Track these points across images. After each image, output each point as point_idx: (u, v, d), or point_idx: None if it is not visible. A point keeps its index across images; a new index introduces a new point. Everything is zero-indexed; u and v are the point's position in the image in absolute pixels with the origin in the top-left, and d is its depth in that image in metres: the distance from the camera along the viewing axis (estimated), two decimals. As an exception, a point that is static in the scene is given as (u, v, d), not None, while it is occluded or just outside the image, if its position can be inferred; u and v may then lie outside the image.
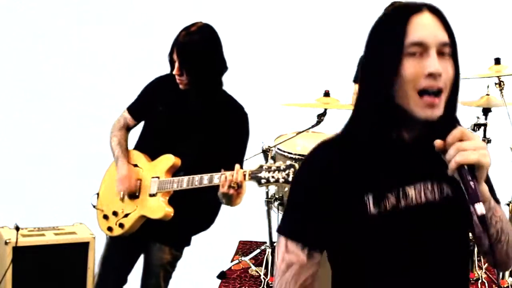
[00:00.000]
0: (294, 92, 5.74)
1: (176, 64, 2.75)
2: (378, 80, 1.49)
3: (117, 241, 3.03)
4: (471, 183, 1.37)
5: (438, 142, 1.43)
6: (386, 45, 1.48)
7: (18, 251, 3.34)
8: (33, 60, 7.25)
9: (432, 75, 1.43)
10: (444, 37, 1.47)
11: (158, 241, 2.94)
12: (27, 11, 7.57)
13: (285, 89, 6.53)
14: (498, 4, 6.94)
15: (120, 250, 3.04)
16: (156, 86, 3.00)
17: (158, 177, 2.86)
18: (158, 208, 2.85)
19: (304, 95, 4.57)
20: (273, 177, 2.55)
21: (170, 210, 2.83)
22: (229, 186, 2.60)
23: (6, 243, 3.32)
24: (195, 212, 2.95)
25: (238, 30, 7.50)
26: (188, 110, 2.88)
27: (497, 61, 4.10)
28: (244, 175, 2.59)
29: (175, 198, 2.86)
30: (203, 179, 2.68)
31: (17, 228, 3.39)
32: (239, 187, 2.60)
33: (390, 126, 1.50)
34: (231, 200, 2.68)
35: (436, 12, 1.51)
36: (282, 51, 7.40)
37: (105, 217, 3.03)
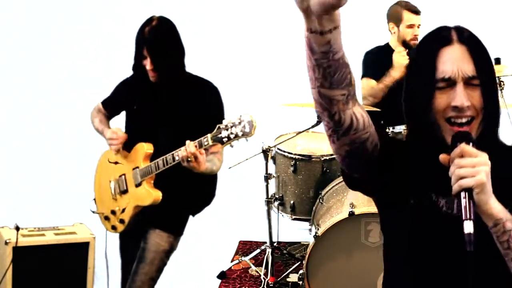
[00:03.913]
0: (294, 92, 5.73)
1: (148, 60, 2.87)
2: (413, 109, 1.59)
3: (125, 232, 3.16)
4: (463, 200, 1.39)
5: (442, 157, 1.47)
6: (418, 78, 1.56)
7: (18, 251, 3.33)
8: (35, 60, 7.25)
9: (457, 108, 1.49)
10: (471, 71, 1.51)
11: (158, 228, 3.02)
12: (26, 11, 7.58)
13: (285, 89, 6.53)
14: (497, 3, 6.94)
15: (131, 240, 3.14)
16: (127, 86, 3.15)
17: (137, 167, 2.99)
18: (146, 195, 2.97)
19: (304, 95, 4.56)
20: (232, 133, 2.65)
21: (157, 194, 2.96)
22: (187, 161, 2.73)
23: (6, 243, 3.32)
24: (189, 191, 3.04)
25: (238, 31, 7.50)
26: (161, 100, 2.99)
27: (497, 61, 4.10)
28: (196, 146, 2.71)
29: (165, 183, 2.96)
30: (175, 156, 2.80)
31: (17, 228, 3.39)
32: (196, 158, 2.72)
33: (428, 149, 1.55)
34: (194, 170, 2.78)
35: (465, 41, 1.53)
36: (282, 51, 7.40)
37: (106, 218, 3.18)
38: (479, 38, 1.57)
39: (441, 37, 1.55)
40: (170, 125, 2.96)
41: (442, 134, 1.53)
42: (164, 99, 2.98)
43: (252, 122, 2.62)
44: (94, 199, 3.27)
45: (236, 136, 2.65)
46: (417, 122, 1.59)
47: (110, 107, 3.23)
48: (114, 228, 3.14)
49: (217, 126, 2.69)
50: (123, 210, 3.07)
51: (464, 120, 1.50)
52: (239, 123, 2.64)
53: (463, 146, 1.42)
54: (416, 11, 4.39)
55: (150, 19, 2.92)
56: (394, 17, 4.42)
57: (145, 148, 2.97)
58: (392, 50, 4.48)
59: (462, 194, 1.39)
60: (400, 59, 4.26)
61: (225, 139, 2.66)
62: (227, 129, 2.66)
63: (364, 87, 4.44)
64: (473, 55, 1.52)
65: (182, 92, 2.96)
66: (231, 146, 2.71)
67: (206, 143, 2.71)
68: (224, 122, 2.68)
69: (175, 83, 2.96)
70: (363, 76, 4.47)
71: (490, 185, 1.41)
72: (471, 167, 1.39)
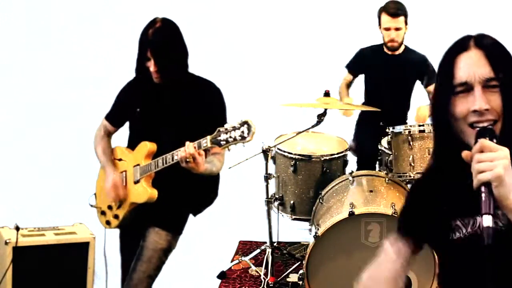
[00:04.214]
0: (294, 92, 5.74)
1: (152, 62, 2.87)
2: (436, 116, 1.62)
3: (126, 231, 3.19)
4: (483, 194, 1.40)
5: (464, 154, 1.47)
6: (439, 86, 1.59)
7: (18, 251, 3.33)
8: (35, 61, 7.25)
9: (477, 112, 1.50)
10: (488, 73, 1.50)
11: (157, 226, 3.03)
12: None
13: (285, 89, 6.53)
14: (498, 5, 6.95)
15: (131, 239, 3.15)
16: (129, 91, 3.14)
17: (138, 164, 3.01)
18: (143, 192, 2.99)
19: (304, 95, 4.57)
20: (230, 137, 2.67)
21: (153, 192, 2.98)
22: (185, 161, 2.75)
23: (6, 243, 3.32)
24: (189, 190, 3.05)
25: (238, 31, 7.50)
26: (164, 101, 3.00)
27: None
28: (195, 147, 2.73)
29: (165, 182, 2.98)
30: (174, 155, 2.82)
31: (17, 228, 3.39)
32: (194, 159, 2.74)
33: (455, 158, 1.56)
34: (193, 170, 2.80)
35: (483, 46, 1.54)
36: (282, 51, 7.40)
37: (103, 213, 3.21)
38: (501, 43, 1.56)
39: (458, 44, 1.57)
40: (172, 126, 2.97)
41: (468, 140, 1.53)
42: (167, 100, 2.99)
43: (251, 128, 2.63)
44: (95, 194, 3.28)
45: (234, 140, 2.66)
46: (443, 133, 1.60)
47: (115, 117, 3.21)
48: (108, 223, 3.17)
49: (217, 129, 2.70)
50: (119, 206, 3.10)
51: (486, 124, 1.50)
52: (239, 127, 2.66)
53: (482, 141, 1.43)
54: (392, 14, 4.39)
55: (154, 21, 2.91)
56: (378, 19, 4.49)
57: (148, 146, 2.99)
58: (383, 51, 4.53)
59: (482, 188, 1.40)
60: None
61: (223, 142, 2.69)
62: (226, 133, 2.68)
63: (343, 79, 4.72)
64: (490, 58, 1.52)
65: (184, 93, 2.97)
66: (229, 149, 2.73)
67: (205, 145, 2.73)
68: (225, 125, 2.70)
69: (178, 84, 2.97)
70: (346, 66, 4.70)
71: (511, 179, 1.40)
72: (490, 161, 1.40)
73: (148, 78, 2.93)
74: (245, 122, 2.65)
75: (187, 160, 2.74)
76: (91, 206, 3.26)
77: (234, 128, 2.66)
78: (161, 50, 2.86)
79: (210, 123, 2.77)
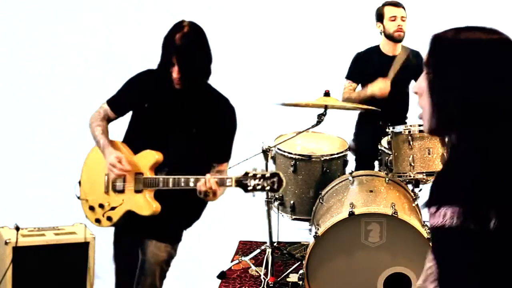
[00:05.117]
0: (294, 92, 5.73)
1: (176, 68, 2.79)
2: None
3: (119, 238, 3.13)
4: None
5: None
6: None
7: (18, 251, 3.33)
8: (35, 61, 7.26)
9: None
10: (425, 59, 1.52)
11: (155, 239, 2.97)
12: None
13: (285, 89, 6.53)
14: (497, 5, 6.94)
15: (124, 247, 3.12)
16: (140, 82, 3.01)
17: (142, 174, 2.90)
18: (146, 205, 2.90)
19: (304, 95, 4.57)
20: (258, 184, 2.65)
21: (158, 206, 2.89)
22: (205, 194, 2.73)
23: (6, 243, 3.32)
24: (184, 205, 2.98)
25: (238, 31, 7.50)
26: (176, 106, 2.91)
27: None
28: (216, 183, 2.70)
29: (163, 194, 2.90)
30: (189, 181, 2.76)
31: (17, 228, 3.38)
32: (214, 193, 2.73)
33: None
34: (207, 200, 2.82)
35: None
36: (282, 51, 7.40)
37: (91, 208, 3.07)
38: (456, 33, 1.52)
39: None
40: (182, 133, 2.90)
41: None
42: (181, 105, 2.90)
43: (282, 181, 2.64)
44: (79, 182, 3.11)
45: (263, 188, 2.66)
46: None
47: (118, 104, 3.04)
48: (98, 221, 3.05)
49: (245, 171, 2.68)
50: (113, 208, 2.98)
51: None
52: (270, 177, 2.65)
53: None
54: (395, 4, 4.51)
55: (181, 25, 2.81)
56: (378, 16, 4.56)
57: (155, 157, 2.88)
58: (381, 52, 4.52)
59: None
60: (382, 86, 4.36)
61: (249, 188, 2.67)
62: (255, 179, 2.66)
63: (345, 88, 4.54)
64: (432, 49, 1.51)
65: (200, 102, 2.90)
66: (253, 195, 2.72)
67: (228, 184, 2.71)
68: (253, 171, 2.67)
69: (196, 91, 2.89)
70: (346, 77, 4.57)
71: None
72: None
73: (166, 78, 2.84)
74: (277, 174, 2.66)
75: (207, 193, 2.72)
76: (78, 198, 3.09)
77: (264, 177, 2.65)
78: (188, 58, 2.77)
79: (219, 141, 2.76)
